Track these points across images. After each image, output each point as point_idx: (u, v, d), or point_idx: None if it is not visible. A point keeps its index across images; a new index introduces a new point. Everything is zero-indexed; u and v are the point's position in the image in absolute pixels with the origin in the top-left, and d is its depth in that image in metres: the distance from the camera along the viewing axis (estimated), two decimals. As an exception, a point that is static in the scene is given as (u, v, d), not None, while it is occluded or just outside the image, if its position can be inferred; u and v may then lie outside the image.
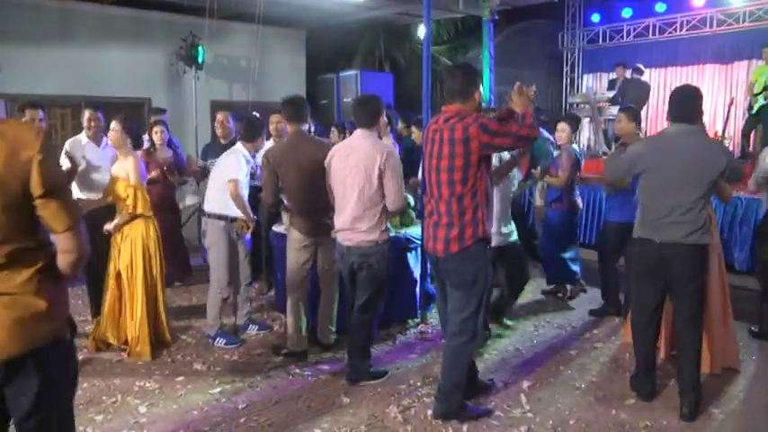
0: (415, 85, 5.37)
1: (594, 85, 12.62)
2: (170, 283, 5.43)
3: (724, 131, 8.49)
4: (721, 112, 9.85)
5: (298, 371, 3.98)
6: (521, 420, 3.35)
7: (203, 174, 5.52)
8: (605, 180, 5.00)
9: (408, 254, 4.78)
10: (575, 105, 11.22)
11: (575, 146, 5.35)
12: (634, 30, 11.51)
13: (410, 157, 5.59)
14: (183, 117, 8.15)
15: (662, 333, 3.79)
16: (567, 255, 5.46)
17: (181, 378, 3.88)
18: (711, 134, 8.40)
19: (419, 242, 4.53)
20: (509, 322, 4.84)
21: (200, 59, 8.02)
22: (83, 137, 4.89)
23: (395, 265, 3.83)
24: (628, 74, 9.82)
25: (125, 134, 4.14)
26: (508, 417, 3.39)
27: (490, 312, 4.64)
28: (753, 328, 4.56)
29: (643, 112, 9.67)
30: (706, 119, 3.49)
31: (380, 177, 3.55)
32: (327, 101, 10.46)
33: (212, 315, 4.42)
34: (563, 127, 5.25)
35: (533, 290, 5.69)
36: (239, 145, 4.38)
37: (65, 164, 4.32)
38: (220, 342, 4.39)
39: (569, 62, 12.94)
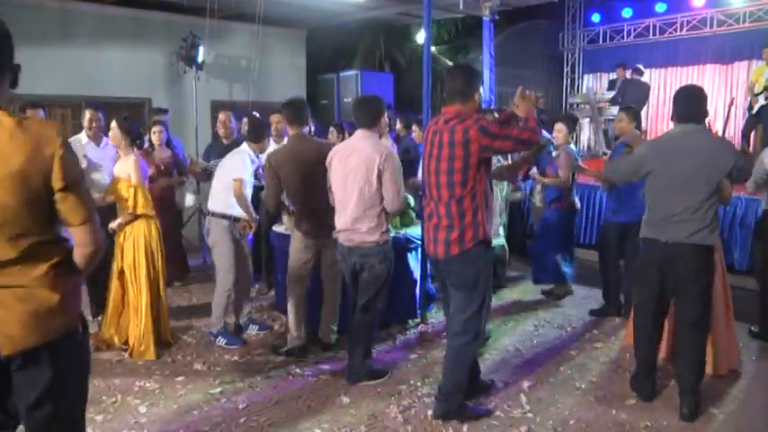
0: (416, 86, 5.37)
1: (595, 85, 12.63)
2: (169, 283, 5.43)
3: (724, 132, 8.48)
4: (721, 113, 9.85)
5: (298, 371, 3.99)
6: (521, 420, 3.35)
7: (207, 175, 5.51)
8: (602, 177, 5.01)
9: (408, 254, 4.78)
10: (575, 106, 11.23)
11: (572, 146, 5.36)
12: (634, 30, 11.52)
13: (408, 157, 5.59)
14: (184, 117, 8.14)
15: (663, 333, 3.78)
16: (561, 255, 5.42)
17: (181, 378, 3.88)
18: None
19: (419, 242, 4.54)
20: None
21: (200, 59, 8.02)
22: (83, 136, 4.90)
23: (395, 265, 3.84)
24: (628, 74, 9.82)
25: (124, 134, 4.14)
26: (508, 417, 3.39)
27: None
28: (752, 329, 4.56)
29: (643, 113, 9.67)
30: (706, 119, 3.48)
31: (380, 178, 3.55)
32: (327, 101, 10.46)
33: (217, 314, 4.42)
34: (560, 127, 5.26)
35: (534, 290, 5.70)
36: (245, 145, 4.39)
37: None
38: (221, 341, 4.39)
39: (570, 62, 12.94)
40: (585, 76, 12.91)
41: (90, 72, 7.66)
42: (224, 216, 4.30)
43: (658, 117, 11.76)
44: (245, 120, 5.66)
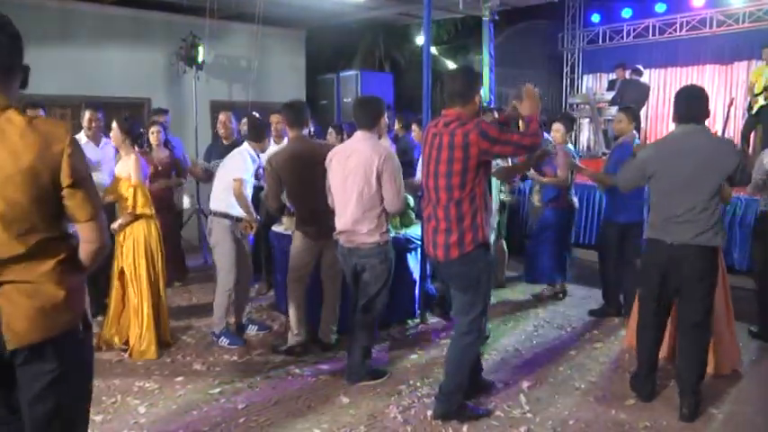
0: (415, 86, 5.37)
1: (594, 85, 12.62)
2: (169, 284, 5.43)
3: (723, 132, 8.48)
4: (721, 113, 9.85)
5: (297, 371, 3.99)
6: (520, 420, 3.35)
7: (208, 176, 5.49)
8: (598, 178, 5.02)
9: (408, 254, 4.78)
10: (575, 106, 11.22)
11: (569, 146, 5.36)
12: (634, 30, 11.51)
13: (405, 157, 5.57)
14: (183, 117, 8.13)
15: (664, 333, 3.78)
16: (557, 255, 5.42)
17: (180, 378, 3.88)
18: (711, 135, 8.38)
19: (419, 242, 4.54)
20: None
21: (199, 59, 8.01)
22: (82, 136, 4.90)
23: (394, 265, 3.84)
24: (627, 75, 9.81)
25: (124, 134, 4.15)
26: (508, 417, 3.39)
27: (439, 306, 4.84)
28: (752, 329, 4.56)
29: (642, 113, 9.67)
30: (706, 120, 3.46)
31: (379, 179, 3.55)
32: (327, 101, 10.44)
33: (219, 314, 4.42)
34: (557, 127, 5.26)
35: (533, 290, 5.69)
36: (246, 145, 4.41)
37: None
38: (224, 341, 4.39)
39: (569, 63, 12.93)
40: (585, 77, 12.90)
41: (90, 72, 7.65)
42: (226, 216, 4.31)
43: (658, 117, 11.76)
44: (244, 120, 5.66)
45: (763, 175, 4.24)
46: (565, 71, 12.95)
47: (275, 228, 4.91)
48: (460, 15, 10.11)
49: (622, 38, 11.72)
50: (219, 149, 5.64)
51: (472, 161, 3.05)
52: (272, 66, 9.22)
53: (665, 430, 3.27)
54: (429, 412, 3.38)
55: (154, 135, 5.59)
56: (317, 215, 4.02)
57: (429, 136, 3.24)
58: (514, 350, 4.40)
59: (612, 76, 10.73)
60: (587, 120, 10.80)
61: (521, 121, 3.53)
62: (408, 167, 5.04)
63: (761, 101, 7.82)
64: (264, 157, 4.40)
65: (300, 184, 4.02)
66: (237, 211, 4.28)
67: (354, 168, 3.59)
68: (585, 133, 11.28)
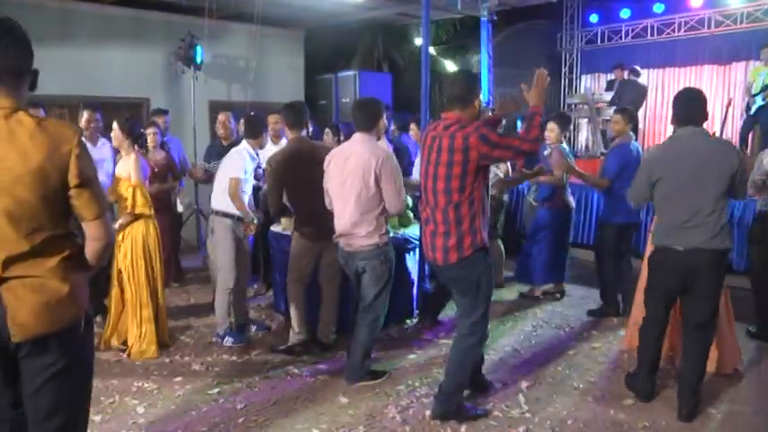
0: (414, 86, 5.38)
1: (593, 85, 12.62)
2: (166, 284, 5.42)
3: (722, 133, 8.49)
4: (719, 114, 9.86)
5: (296, 371, 3.99)
6: (519, 420, 3.36)
7: (208, 177, 5.47)
8: (591, 181, 5.02)
9: (406, 255, 4.78)
10: (573, 106, 11.24)
11: (564, 145, 5.36)
12: (632, 30, 11.52)
13: (401, 158, 5.55)
14: (182, 117, 8.13)
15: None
16: (552, 255, 5.41)
17: (179, 378, 3.88)
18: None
19: (417, 243, 4.54)
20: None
21: (198, 59, 8.02)
22: (80, 136, 4.89)
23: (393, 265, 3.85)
24: (625, 75, 9.82)
25: (125, 134, 4.15)
26: (506, 417, 3.39)
27: (429, 308, 4.83)
28: (750, 329, 4.57)
29: (640, 114, 9.68)
30: (704, 122, 3.47)
31: (377, 182, 3.56)
32: (326, 101, 10.45)
33: (221, 314, 4.42)
34: (552, 127, 5.25)
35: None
36: (244, 143, 4.41)
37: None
38: (229, 341, 4.39)
39: (567, 63, 12.94)
40: (583, 77, 12.91)
41: (89, 72, 7.65)
42: (227, 215, 4.32)
43: (656, 118, 11.77)
44: (242, 120, 5.66)
45: (763, 176, 4.25)
46: (563, 71, 12.96)
47: (274, 228, 4.92)
48: (459, 15, 10.14)
49: (621, 38, 11.73)
50: (219, 150, 5.63)
51: (472, 165, 3.05)
52: (270, 66, 9.23)
53: (663, 430, 3.28)
54: (427, 412, 3.38)
55: (150, 136, 5.57)
56: (316, 216, 4.02)
57: (428, 139, 3.24)
58: (513, 350, 4.40)
59: (611, 76, 10.73)
60: (586, 120, 10.81)
61: (519, 121, 3.52)
62: (407, 168, 5.04)
63: (759, 101, 7.83)
64: (264, 157, 4.40)
65: (300, 185, 4.03)
66: (239, 211, 4.29)
67: (353, 170, 3.59)
68: (584, 133, 11.28)
